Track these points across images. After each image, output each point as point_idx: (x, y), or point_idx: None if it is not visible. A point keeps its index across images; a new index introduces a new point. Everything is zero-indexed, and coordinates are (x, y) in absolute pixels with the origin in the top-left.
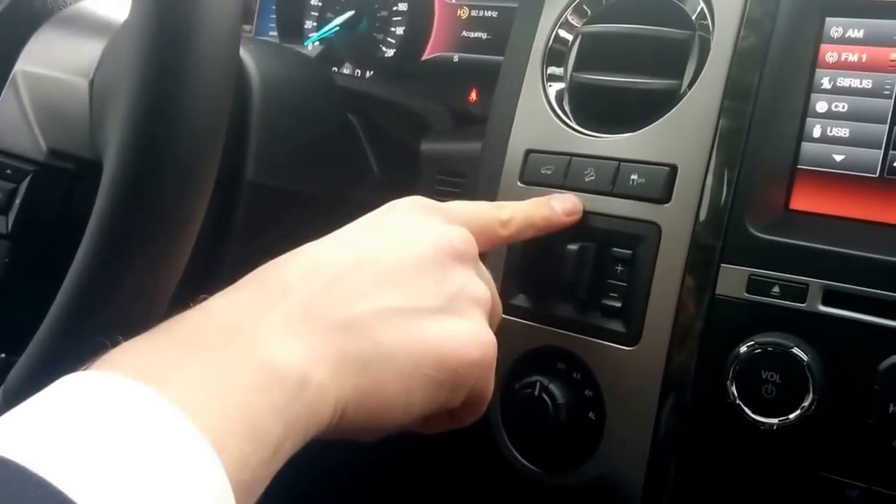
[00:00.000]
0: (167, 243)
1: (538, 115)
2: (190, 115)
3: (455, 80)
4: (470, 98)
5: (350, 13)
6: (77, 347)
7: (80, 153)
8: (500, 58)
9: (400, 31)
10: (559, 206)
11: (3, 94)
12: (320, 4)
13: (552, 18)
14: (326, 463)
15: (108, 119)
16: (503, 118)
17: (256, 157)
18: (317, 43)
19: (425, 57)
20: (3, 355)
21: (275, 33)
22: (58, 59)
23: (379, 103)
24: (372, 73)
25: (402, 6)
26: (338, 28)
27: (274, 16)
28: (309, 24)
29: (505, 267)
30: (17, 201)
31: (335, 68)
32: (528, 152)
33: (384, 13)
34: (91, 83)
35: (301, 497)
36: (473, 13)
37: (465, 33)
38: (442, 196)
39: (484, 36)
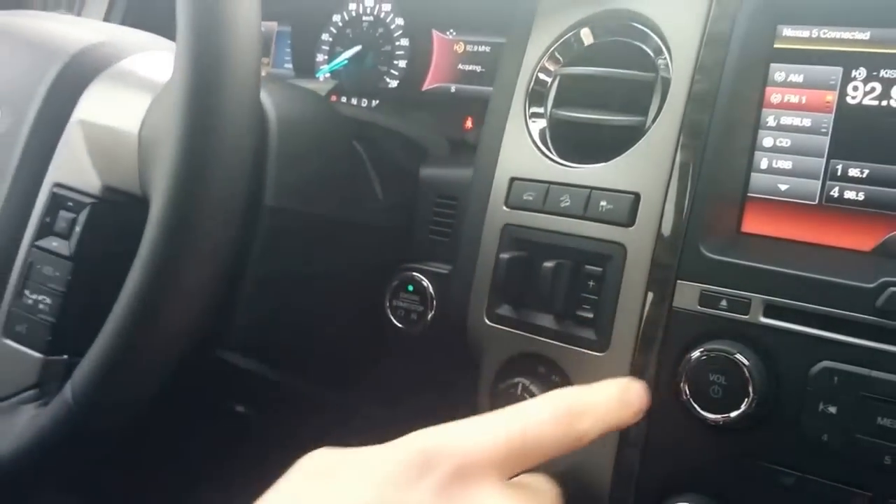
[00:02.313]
0: (203, 261)
1: (521, 147)
2: (220, 159)
3: (452, 109)
4: (465, 126)
5: (357, 48)
6: (131, 347)
7: (129, 189)
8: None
9: (402, 63)
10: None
11: (63, 138)
12: (331, 40)
13: (532, 62)
14: None
15: (154, 163)
16: (491, 149)
17: (275, 184)
18: (327, 74)
19: (425, 87)
20: (65, 357)
21: (290, 65)
22: (111, 111)
23: (382, 131)
24: (377, 102)
25: (404, 41)
26: (346, 62)
27: (289, 50)
28: (320, 58)
29: (491, 281)
30: (78, 229)
31: (344, 98)
32: (513, 180)
33: (388, 48)
34: (139, 133)
35: None
36: (468, 48)
37: (461, 66)
38: (439, 218)
39: (478, 69)
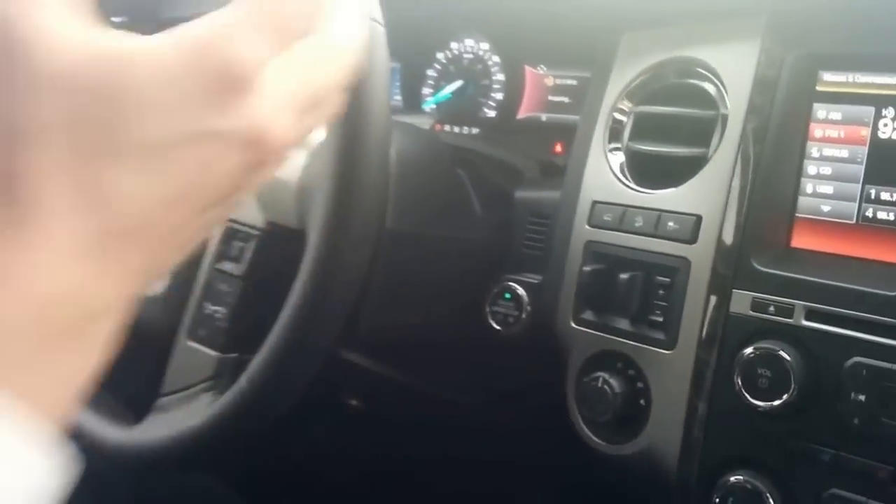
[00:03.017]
0: (348, 278)
1: (601, 175)
2: (362, 200)
3: (543, 135)
4: (555, 150)
5: (460, 82)
6: (294, 347)
7: (288, 224)
8: (577, 116)
9: (499, 96)
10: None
11: None
12: (435, 75)
13: (611, 102)
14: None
15: (310, 204)
16: (576, 177)
17: (394, 210)
18: (433, 106)
19: (519, 116)
20: (236, 355)
21: (398, 97)
22: None
23: (482, 157)
24: (477, 130)
25: (500, 76)
26: (450, 94)
27: (399, 83)
28: (426, 91)
29: (576, 289)
30: (247, 255)
31: (447, 126)
32: (594, 203)
33: (486, 82)
34: (299, 181)
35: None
36: (557, 81)
37: (550, 97)
38: (531, 234)
39: (566, 100)
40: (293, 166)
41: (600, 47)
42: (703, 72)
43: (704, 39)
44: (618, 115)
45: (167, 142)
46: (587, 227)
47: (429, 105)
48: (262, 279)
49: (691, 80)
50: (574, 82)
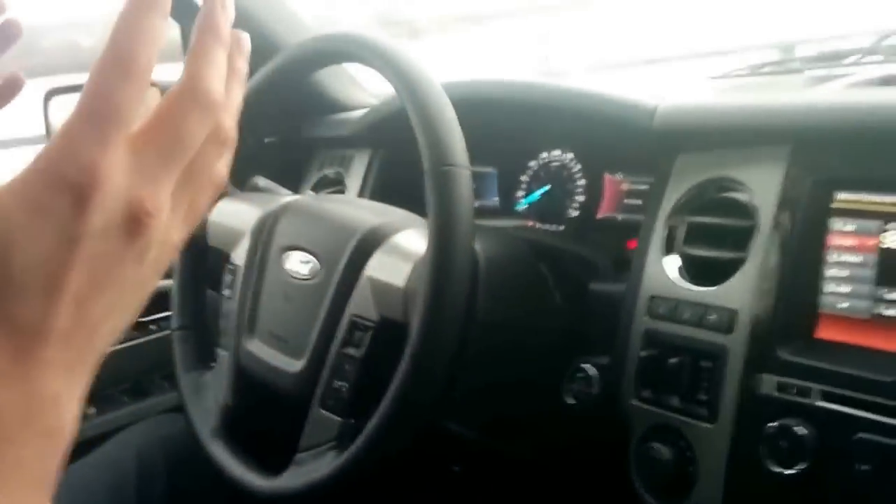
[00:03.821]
0: (444, 365)
1: (659, 274)
2: (453, 302)
3: (620, 232)
4: (629, 245)
5: (548, 186)
6: (400, 415)
7: (396, 318)
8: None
9: (581, 198)
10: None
11: (358, 286)
12: (528, 179)
13: (666, 212)
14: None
15: (414, 305)
16: (638, 274)
17: (485, 305)
18: (525, 206)
19: (599, 216)
20: (354, 420)
21: (495, 198)
22: (388, 271)
23: (563, 252)
24: (562, 227)
25: (582, 181)
26: (539, 196)
27: (495, 187)
28: (519, 193)
29: (636, 370)
30: (367, 341)
31: (537, 224)
32: (652, 297)
33: (570, 186)
34: (405, 286)
35: None
36: (630, 186)
37: (625, 200)
38: (601, 320)
39: (639, 202)
40: (402, 273)
41: (659, 166)
42: (741, 188)
43: (741, 162)
44: (672, 224)
45: (49, 257)
46: (646, 317)
47: (521, 206)
48: (377, 361)
49: (732, 196)
50: (645, 187)
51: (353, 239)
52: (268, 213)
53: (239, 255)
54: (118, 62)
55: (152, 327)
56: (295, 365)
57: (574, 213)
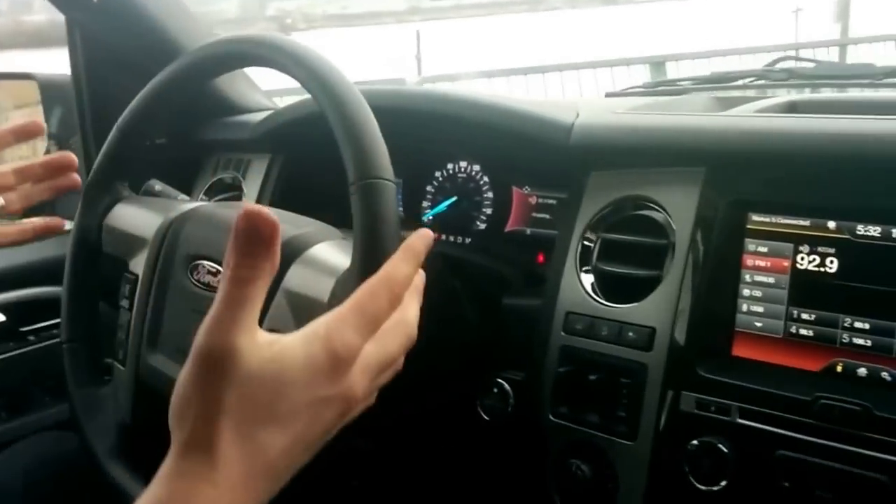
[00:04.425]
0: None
1: (574, 290)
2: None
3: (527, 246)
4: (538, 260)
5: (454, 198)
6: None
7: None
8: (556, 231)
9: (489, 211)
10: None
11: (275, 301)
12: (433, 190)
13: (581, 229)
14: None
15: None
16: (553, 290)
17: None
18: (430, 217)
19: (507, 230)
20: None
21: (400, 209)
22: (307, 285)
23: (473, 265)
24: (469, 240)
25: (490, 194)
26: (445, 208)
27: (401, 197)
28: (425, 204)
29: (553, 387)
30: None
31: (443, 236)
32: (568, 313)
33: (478, 198)
34: (329, 302)
35: None
36: (539, 200)
37: (534, 214)
38: (515, 336)
39: (547, 216)
40: (324, 288)
41: (572, 182)
42: (656, 207)
43: (656, 182)
44: (587, 241)
45: (299, 409)
46: (562, 333)
47: (427, 216)
48: None
49: (647, 213)
50: (553, 202)
51: None
52: (170, 219)
53: (138, 264)
54: (388, 286)
55: (31, 338)
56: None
57: (482, 226)
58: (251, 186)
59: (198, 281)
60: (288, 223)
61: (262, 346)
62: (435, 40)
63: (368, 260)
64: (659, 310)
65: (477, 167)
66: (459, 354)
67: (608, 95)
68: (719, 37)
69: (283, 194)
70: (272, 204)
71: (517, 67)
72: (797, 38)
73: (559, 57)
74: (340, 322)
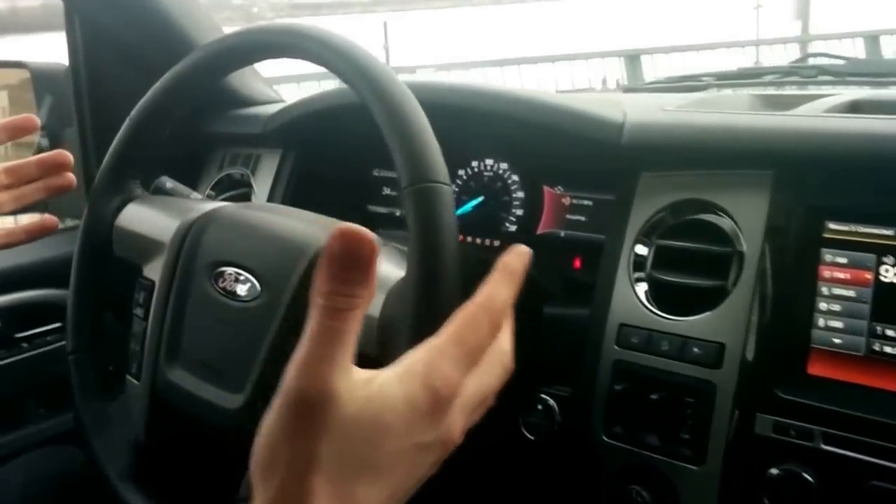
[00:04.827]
0: None
1: (627, 301)
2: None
3: (562, 251)
4: (575, 265)
5: (481, 198)
6: None
7: (369, 352)
8: (596, 235)
9: (519, 212)
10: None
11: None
12: (457, 190)
13: (633, 234)
14: None
15: (392, 338)
16: (604, 300)
17: None
18: None
19: (538, 232)
20: None
21: None
22: None
23: None
24: (498, 242)
25: (520, 194)
26: (470, 208)
27: None
28: None
29: (606, 404)
30: None
31: (469, 238)
32: (622, 325)
33: (506, 198)
34: (380, 318)
35: None
36: (574, 201)
37: (568, 216)
38: (559, 348)
39: (583, 219)
40: (374, 304)
41: (619, 183)
42: (719, 212)
43: (718, 185)
44: (640, 247)
45: (398, 457)
46: (615, 347)
47: None
48: None
49: (707, 218)
50: (590, 202)
51: (303, 258)
52: (189, 221)
53: (153, 269)
54: (488, 313)
55: (24, 345)
56: (232, 400)
57: (511, 228)
58: (261, 183)
59: (222, 289)
60: (322, 228)
61: (359, 385)
62: (402, 31)
63: (427, 271)
64: (727, 323)
65: (504, 165)
66: None
67: (627, 91)
68: (683, 31)
69: (296, 193)
70: (283, 202)
71: (492, 59)
72: (758, 35)
73: (528, 49)
74: (439, 356)
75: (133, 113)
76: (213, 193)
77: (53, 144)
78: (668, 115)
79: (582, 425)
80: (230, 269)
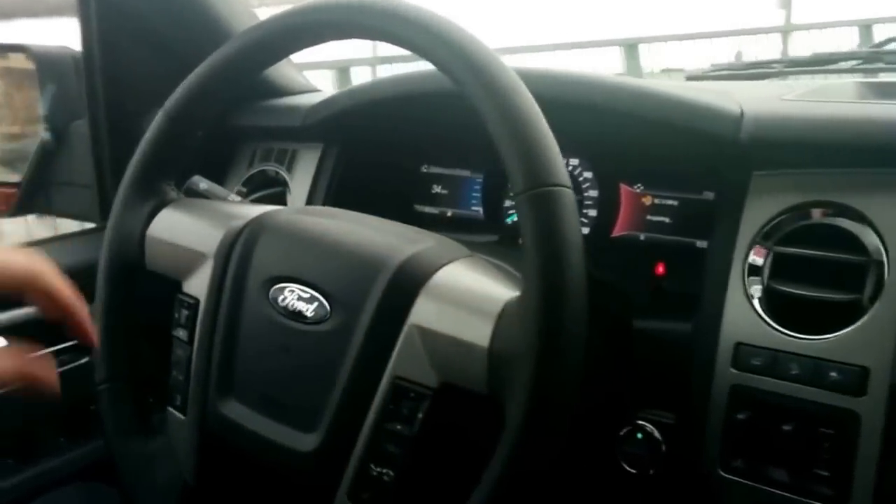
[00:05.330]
0: (550, 448)
1: (744, 316)
2: (571, 368)
3: (643, 255)
4: (657, 271)
5: None
6: None
7: (471, 387)
8: (684, 238)
9: (592, 212)
10: None
11: (402, 338)
12: None
13: (747, 240)
14: None
15: (509, 378)
16: (713, 315)
17: None
18: (515, 219)
19: (614, 234)
20: None
21: (476, 208)
22: (450, 323)
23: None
24: None
25: (593, 193)
26: None
27: (476, 195)
28: (508, 203)
29: (723, 435)
30: (420, 415)
31: None
32: (738, 344)
33: (577, 197)
34: (490, 346)
35: None
36: (656, 201)
37: (649, 217)
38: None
39: (667, 220)
40: (480, 327)
41: (726, 183)
42: (853, 217)
43: (850, 186)
44: (755, 255)
45: None
46: (732, 369)
47: (513, 218)
48: (435, 440)
49: (840, 223)
50: (674, 202)
51: (382, 274)
52: (235, 229)
53: (197, 285)
54: None
55: None
56: (304, 441)
57: (583, 230)
58: (299, 181)
59: (284, 308)
60: (398, 237)
61: None
62: None
63: (551, 290)
64: (869, 344)
65: (576, 161)
66: (590, 389)
67: (689, 79)
68: (671, 21)
69: (339, 193)
70: (326, 202)
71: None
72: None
73: (524, 38)
74: None
75: (168, 104)
76: (243, 190)
77: (58, 139)
78: (790, 106)
79: (693, 457)
80: (292, 286)
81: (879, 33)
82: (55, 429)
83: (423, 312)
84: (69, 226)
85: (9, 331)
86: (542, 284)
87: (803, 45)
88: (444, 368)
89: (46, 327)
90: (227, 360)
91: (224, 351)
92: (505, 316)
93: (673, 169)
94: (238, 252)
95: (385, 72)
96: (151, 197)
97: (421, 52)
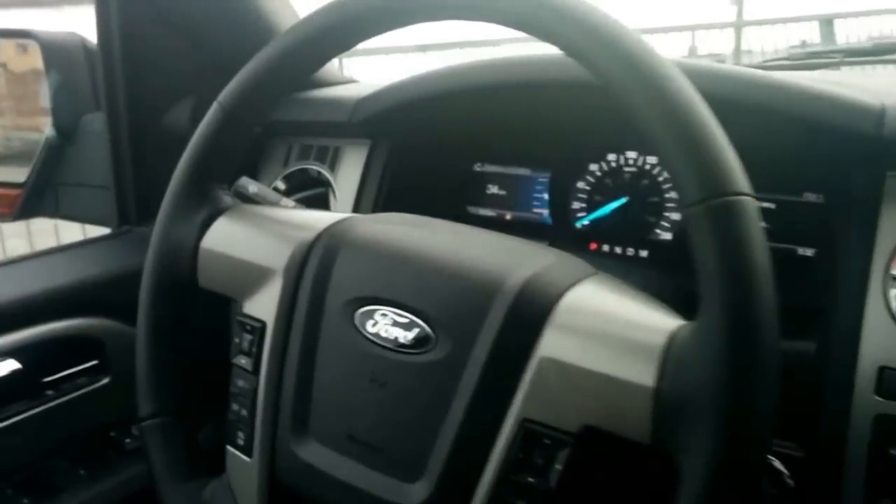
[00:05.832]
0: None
1: (887, 337)
2: (765, 415)
3: None
4: None
5: (624, 199)
6: None
7: (628, 434)
8: (785, 245)
9: (675, 216)
10: None
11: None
12: (588, 188)
13: (888, 249)
14: None
15: (684, 424)
16: (847, 337)
17: None
18: (587, 222)
19: None
20: None
21: (538, 210)
22: (588, 355)
23: (666, 290)
24: (646, 253)
25: (674, 194)
26: (609, 212)
27: (537, 195)
28: (576, 205)
29: (869, 472)
30: (557, 466)
31: (605, 246)
32: (882, 369)
33: (655, 199)
34: (658, 386)
35: None
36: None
37: None
38: None
39: (766, 225)
40: (635, 361)
41: (853, 185)
42: None
43: None
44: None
45: None
46: (876, 397)
47: (582, 222)
48: (578, 492)
49: None
50: (772, 205)
51: (500, 297)
52: (307, 242)
53: (262, 305)
54: None
55: (49, 392)
56: (408, 493)
57: (664, 235)
58: (344, 181)
59: (375, 335)
60: (503, 250)
61: None
62: None
63: (740, 318)
64: None
65: (653, 159)
66: None
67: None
68: (626, 15)
69: (390, 194)
70: (376, 205)
71: (460, 41)
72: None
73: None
74: None
75: (223, 96)
76: (281, 189)
77: (65, 135)
78: None
79: (828, 497)
80: (383, 309)
81: (840, 29)
82: (73, 458)
83: (558, 344)
84: (74, 230)
85: (23, 351)
86: (733, 313)
87: (756, 40)
88: (588, 411)
89: (62, 348)
90: (302, 393)
91: (299, 382)
92: (674, 349)
93: (771, 167)
94: (313, 268)
95: (418, 61)
96: (205, 203)
97: (565, 46)
